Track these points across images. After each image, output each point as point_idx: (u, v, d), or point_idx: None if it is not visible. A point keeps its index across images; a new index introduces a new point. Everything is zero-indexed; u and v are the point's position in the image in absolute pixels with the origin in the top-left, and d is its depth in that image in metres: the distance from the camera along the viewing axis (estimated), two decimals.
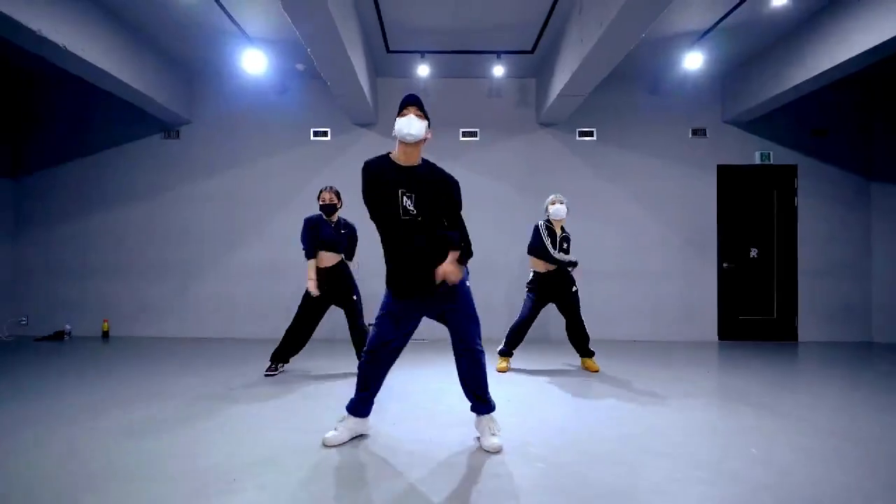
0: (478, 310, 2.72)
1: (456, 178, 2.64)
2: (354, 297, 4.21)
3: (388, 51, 5.70)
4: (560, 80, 5.21)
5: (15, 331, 6.26)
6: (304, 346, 4.31)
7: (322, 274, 4.14)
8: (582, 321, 4.50)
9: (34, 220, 6.37)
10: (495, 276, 6.20)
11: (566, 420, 3.13)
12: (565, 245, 4.41)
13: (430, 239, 2.50)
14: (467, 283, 2.66)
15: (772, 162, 6.36)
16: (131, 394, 3.66)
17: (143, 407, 3.34)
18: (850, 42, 4.38)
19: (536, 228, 4.43)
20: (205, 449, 2.60)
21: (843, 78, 5.03)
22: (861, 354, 5.44)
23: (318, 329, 4.34)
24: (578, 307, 4.48)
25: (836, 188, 6.36)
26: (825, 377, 4.36)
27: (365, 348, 2.67)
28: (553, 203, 4.43)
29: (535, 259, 4.42)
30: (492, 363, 4.34)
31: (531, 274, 4.51)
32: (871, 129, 6.37)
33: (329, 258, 4.14)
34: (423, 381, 4.13)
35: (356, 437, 2.75)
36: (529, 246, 4.44)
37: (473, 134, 6.43)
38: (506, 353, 4.54)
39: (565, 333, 4.62)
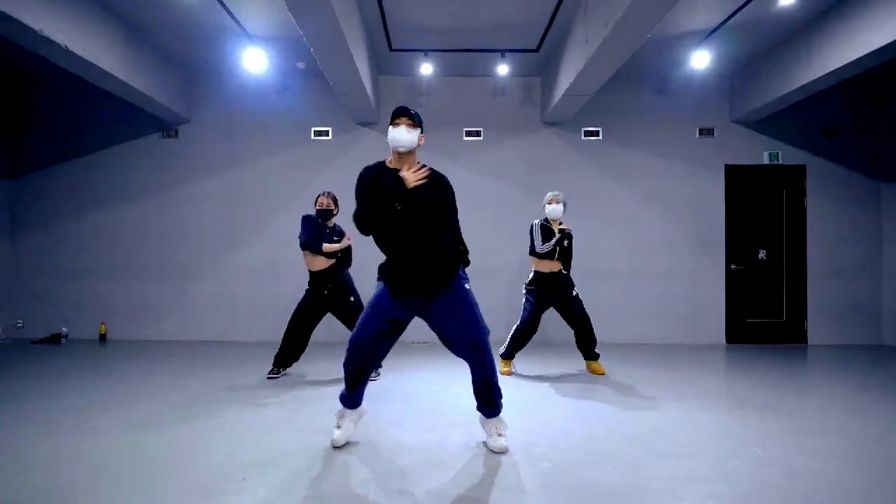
0: (482, 310, 2.76)
1: (459, 178, 2.75)
2: (352, 299, 4.32)
3: (391, 49, 5.81)
4: (565, 80, 5.31)
5: (11, 333, 6.36)
6: (303, 350, 4.41)
7: (316, 277, 4.26)
8: (590, 323, 4.58)
9: (30, 220, 6.48)
10: (496, 276, 6.30)
11: (571, 421, 3.23)
12: (566, 243, 4.49)
13: (425, 240, 2.59)
14: (466, 286, 2.69)
15: (780, 162, 6.46)
16: (131, 394, 3.76)
17: (143, 408, 3.44)
18: (857, 42, 4.49)
19: (531, 228, 4.52)
20: (211, 449, 2.70)
21: (853, 77, 5.12)
22: (872, 357, 5.54)
23: (318, 332, 4.44)
24: (584, 309, 4.57)
25: (845, 188, 6.46)
26: (834, 380, 4.46)
27: (350, 339, 2.67)
28: (550, 202, 4.50)
29: (536, 259, 4.50)
30: None
31: (532, 273, 4.55)
32: (881, 128, 6.46)
33: (321, 261, 4.25)
34: (426, 382, 4.25)
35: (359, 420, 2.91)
36: (530, 248, 4.53)
37: (477, 133, 6.54)
38: (508, 356, 4.63)
39: (567, 336, 4.70)
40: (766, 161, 6.48)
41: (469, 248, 2.82)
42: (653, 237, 6.46)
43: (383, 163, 2.73)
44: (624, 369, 4.79)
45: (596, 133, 6.53)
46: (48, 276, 6.44)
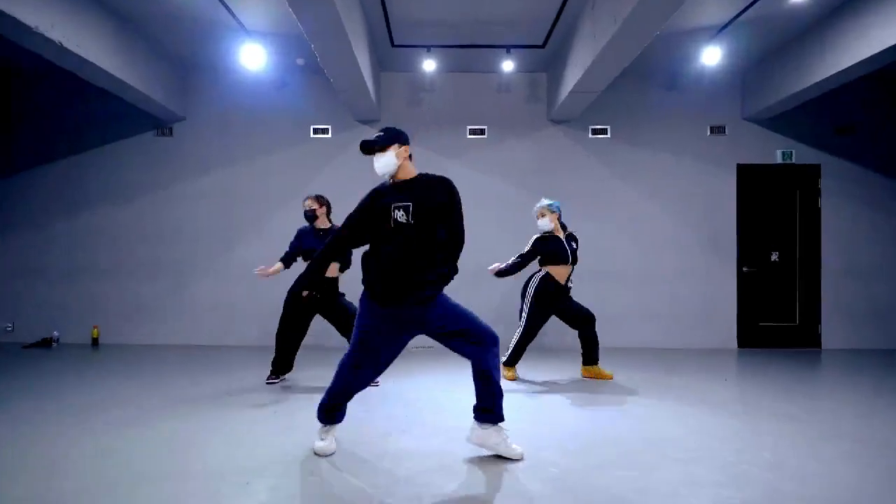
0: (479, 314, 2.84)
1: (462, 177, 2.83)
2: (343, 304, 4.42)
3: (393, 45, 5.89)
4: (572, 76, 5.39)
5: (0, 338, 6.44)
6: (295, 352, 4.51)
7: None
8: (595, 322, 4.67)
9: (20, 220, 6.56)
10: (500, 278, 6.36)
11: (578, 426, 3.31)
12: (574, 245, 4.60)
13: (421, 246, 2.67)
14: (451, 301, 2.78)
15: (794, 161, 6.54)
16: (126, 399, 3.84)
17: (138, 413, 3.52)
18: (870, 38, 4.57)
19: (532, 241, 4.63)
20: (212, 454, 2.78)
21: (868, 74, 5.19)
22: (888, 362, 5.61)
23: (317, 335, 4.52)
24: (582, 307, 4.66)
25: (861, 188, 6.53)
26: (849, 384, 4.53)
27: (346, 363, 2.76)
28: (538, 217, 4.60)
29: (551, 265, 4.57)
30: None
31: (538, 280, 4.55)
32: None
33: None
34: (428, 387, 4.34)
35: None
36: (539, 258, 4.60)
37: (481, 131, 6.62)
38: (511, 363, 4.70)
39: (573, 342, 4.77)
40: (779, 160, 6.56)
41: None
42: (662, 238, 6.54)
43: (386, 185, 2.83)
44: (631, 374, 4.87)
45: (604, 131, 6.61)
46: (38, 277, 6.51)
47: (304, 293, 4.26)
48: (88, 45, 4.81)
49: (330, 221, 4.52)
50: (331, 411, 2.84)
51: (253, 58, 5.39)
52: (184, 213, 6.54)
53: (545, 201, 4.60)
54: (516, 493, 2.34)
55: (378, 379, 4.43)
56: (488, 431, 2.77)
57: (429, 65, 5.96)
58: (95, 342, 6.39)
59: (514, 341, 4.63)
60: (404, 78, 6.62)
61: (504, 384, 4.32)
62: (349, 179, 6.16)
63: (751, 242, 6.60)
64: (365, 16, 5.33)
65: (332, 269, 4.36)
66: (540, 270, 4.60)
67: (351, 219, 2.79)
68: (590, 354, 4.73)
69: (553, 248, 4.53)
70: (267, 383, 4.39)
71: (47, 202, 6.55)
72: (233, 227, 6.55)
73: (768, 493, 2.33)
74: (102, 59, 5.01)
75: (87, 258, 6.51)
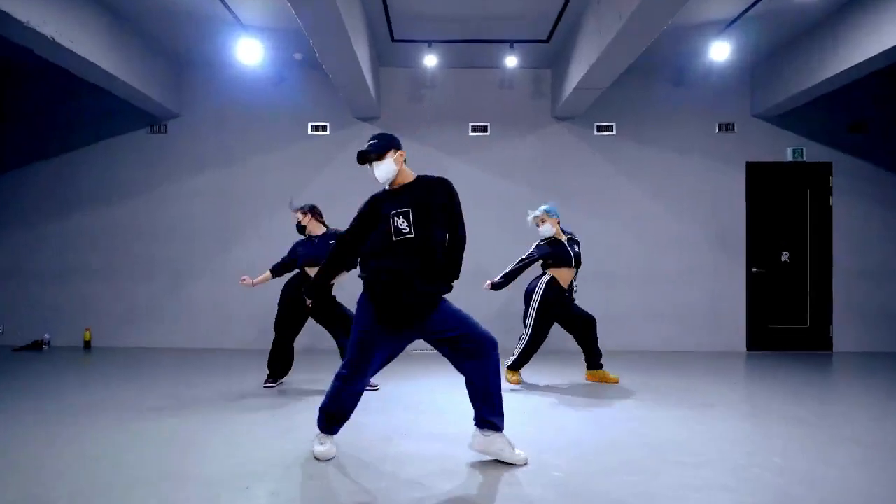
0: (480, 316, 2.87)
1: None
2: (341, 310, 4.44)
3: (393, 39, 5.91)
4: (577, 73, 5.41)
5: None
6: (292, 355, 4.54)
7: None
8: (594, 325, 4.68)
9: (10, 219, 6.59)
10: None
11: (582, 430, 3.32)
12: (576, 247, 4.62)
13: (424, 259, 2.68)
14: (451, 306, 2.81)
15: (805, 159, 6.56)
16: (120, 403, 3.87)
17: (133, 417, 3.54)
18: (883, 33, 4.58)
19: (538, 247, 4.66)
20: (209, 458, 2.80)
21: (880, 70, 5.20)
22: None
23: (317, 340, 4.54)
24: (583, 311, 4.68)
25: (873, 186, 6.55)
26: (861, 388, 4.55)
27: (344, 374, 2.76)
28: (538, 225, 4.62)
29: (555, 269, 4.59)
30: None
31: (545, 285, 4.53)
32: None
33: (313, 272, 4.35)
34: (429, 390, 4.37)
35: None
36: (542, 262, 4.62)
37: (484, 128, 6.63)
38: (515, 368, 4.71)
39: (577, 344, 4.79)
40: (789, 158, 6.57)
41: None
42: (669, 238, 6.56)
43: (384, 190, 2.86)
44: (637, 377, 4.88)
45: (609, 128, 6.63)
46: (29, 278, 6.54)
47: (308, 302, 4.27)
48: (81, 40, 4.83)
49: (325, 226, 4.55)
50: (332, 422, 2.84)
51: (249, 53, 5.42)
52: (179, 212, 6.56)
53: (543, 207, 4.62)
54: (518, 497, 2.36)
55: (377, 382, 4.46)
56: (491, 438, 2.77)
57: (430, 60, 5.98)
58: (88, 345, 6.41)
59: (519, 347, 4.63)
60: (405, 74, 6.64)
61: (506, 387, 4.35)
62: (348, 178, 6.17)
63: (760, 242, 6.61)
64: (364, 10, 5.35)
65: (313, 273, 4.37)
66: (544, 275, 4.61)
67: (352, 226, 2.83)
68: (592, 359, 4.75)
69: (557, 252, 4.54)
70: (264, 387, 4.42)
71: (38, 201, 6.57)
72: (229, 226, 6.57)
73: (779, 498, 2.34)
74: (96, 55, 5.03)
75: (79, 258, 6.54)
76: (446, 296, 2.83)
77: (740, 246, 6.58)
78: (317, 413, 2.87)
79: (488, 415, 2.77)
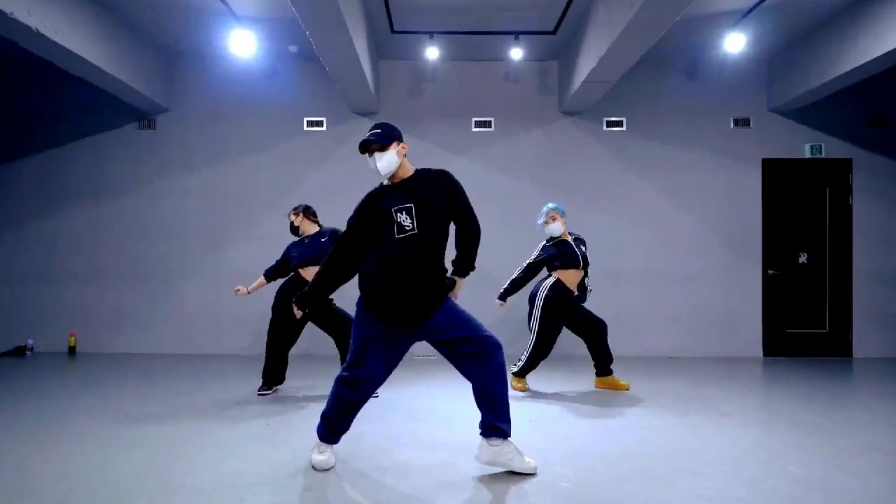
0: (485, 322, 2.87)
1: (467, 172, 2.87)
2: (339, 314, 4.48)
3: (393, 31, 5.93)
4: (586, 65, 5.43)
5: None
6: (287, 361, 4.59)
7: (301, 287, 4.41)
8: (605, 330, 4.71)
9: None
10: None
11: (591, 439, 3.35)
12: (583, 248, 4.65)
13: (427, 257, 2.72)
14: (455, 306, 2.84)
15: (823, 155, 6.58)
16: (108, 411, 3.90)
17: (124, 426, 3.57)
18: None
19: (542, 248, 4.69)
20: (203, 468, 2.83)
21: None
22: None
23: (316, 345, 4.56)
24: (593, 314, 4.70)
25: (895, 184, 6.56)
26: (882, 394, 4.57)
27: (345, 378, 2.78)
28: (546, 223, 4.63)
29: (560, 270, 4.61)
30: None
31: (550, 286, 4.57)
32: None
33: (310, 272, 4.38)
34: (431, 398, 4.40)
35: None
36: (547, 265, 4.65)
37: (487, 124, 6.66)
38: (521, 374, 4.73)
39: (587, 349, 4.81)
40: (807, 154, 6.59)
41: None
42: (681, 238, 6.58)
43: (381, 185, 2.87)
44: (648, 384, 4.91)
45: (619, 123, 6.66)
46: (11, 281, 6.56)
47: (297, 312, 4.30)
48: (67, 31, 4.86)
49: (318, 225, 4.59)
50: (333, 430, 2.86)
51: (243, 45, 5.44)
52: (169, 212, 6.59)
53: (550, 205, 4.65)
54: None
55: (377, 390, 4.48)
56: (498, 448, 2.76)
57: (432, 52, 6.00)
58: (73, 350, 6.43)
59: (525, 353, 4.66)
60: (405, 66, 6.67)
61: (512, 395, 4.37)
62: (346, 175, 6.23)
63: (777, 243, 6.63)
64: (363, 0, 5.37)
65: (310, 273, 4.39)
66: (549, 276, 4.63)
67: (350, 225, 2.82)
68: (602, 365, 4.76)
69: (563, 252, 4.56)
70: (258, 395, 4.45)
71: (21, 198, 6.60)
72: (222, 226, 6.59)
73: None
74: (82, 47, 5.06)
75: (64, 259, 6.56)
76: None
77: (756, 247, 6.60)
78: (317, 420, 2.90)
79: (493, 420, 2.76)
